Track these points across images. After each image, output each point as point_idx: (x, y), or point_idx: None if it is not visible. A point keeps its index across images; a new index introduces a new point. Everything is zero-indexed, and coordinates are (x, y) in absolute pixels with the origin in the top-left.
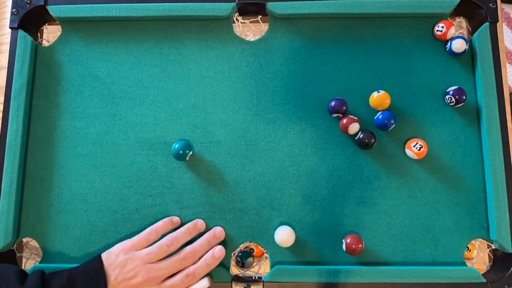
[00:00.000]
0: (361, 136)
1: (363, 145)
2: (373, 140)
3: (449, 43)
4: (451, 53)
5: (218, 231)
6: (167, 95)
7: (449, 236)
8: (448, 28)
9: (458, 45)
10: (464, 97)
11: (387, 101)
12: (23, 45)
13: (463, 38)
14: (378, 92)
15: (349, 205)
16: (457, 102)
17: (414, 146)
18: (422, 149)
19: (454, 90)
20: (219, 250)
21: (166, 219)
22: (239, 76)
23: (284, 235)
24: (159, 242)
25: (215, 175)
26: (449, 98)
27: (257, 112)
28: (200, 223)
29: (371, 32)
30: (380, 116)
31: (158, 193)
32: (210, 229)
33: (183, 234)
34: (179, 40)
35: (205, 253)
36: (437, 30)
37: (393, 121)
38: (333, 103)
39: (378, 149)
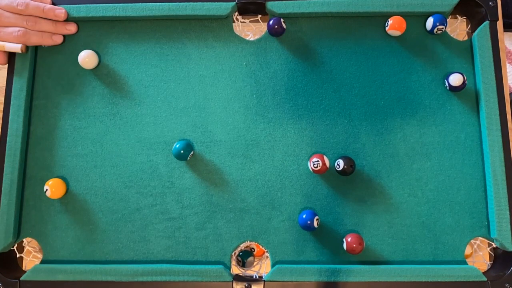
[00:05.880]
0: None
1: (345, 172)
2: (352, 169)
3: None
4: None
5: (59, 13)
6: (167, 95)
7: (450, 234)
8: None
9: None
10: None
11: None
12: None
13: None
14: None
15: (350, 204)
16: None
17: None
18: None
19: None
20: (58, 38)
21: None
22: (239, 75)
23: (86, 56)
24: None
25: (215, 174)
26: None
27: (257, 112)
28: (59, 12)
29: (371, 31)
30: (304, 216)
31: (158, 192)
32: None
33: (35, 5)
34: (179, 40)
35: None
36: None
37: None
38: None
39: (379, 148)
